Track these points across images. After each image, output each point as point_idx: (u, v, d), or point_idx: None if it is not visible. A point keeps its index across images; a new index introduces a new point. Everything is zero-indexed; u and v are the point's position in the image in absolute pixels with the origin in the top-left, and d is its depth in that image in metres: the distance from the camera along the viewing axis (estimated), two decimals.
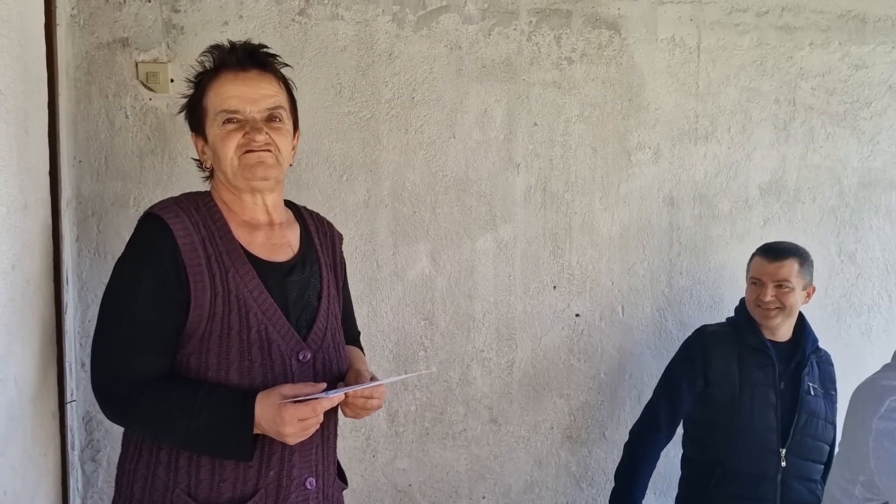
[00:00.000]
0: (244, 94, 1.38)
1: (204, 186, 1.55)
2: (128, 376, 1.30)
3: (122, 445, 1.42)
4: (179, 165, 2.28)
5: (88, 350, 2.23)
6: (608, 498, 2.36)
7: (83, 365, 2.25)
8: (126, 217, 2.26)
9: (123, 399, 1.30)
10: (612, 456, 2.66)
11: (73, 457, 2.25)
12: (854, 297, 2.86)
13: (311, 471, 1.39)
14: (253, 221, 1.44)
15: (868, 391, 1.44)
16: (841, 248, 2.85)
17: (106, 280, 1.41)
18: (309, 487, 1.39)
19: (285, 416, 1.24)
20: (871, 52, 2.82)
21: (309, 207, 1.66)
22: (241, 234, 1.41)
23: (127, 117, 2.26)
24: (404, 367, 2.50)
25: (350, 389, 1.35)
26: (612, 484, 2.37)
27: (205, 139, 1.44)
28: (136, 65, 2.26)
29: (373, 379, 1.45)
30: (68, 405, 2.16)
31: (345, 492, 1.58)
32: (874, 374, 1.50)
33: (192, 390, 1.29)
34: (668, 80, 2.65)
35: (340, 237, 1.64)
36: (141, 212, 2.21)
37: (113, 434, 2.27)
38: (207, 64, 1.44)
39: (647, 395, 2.67)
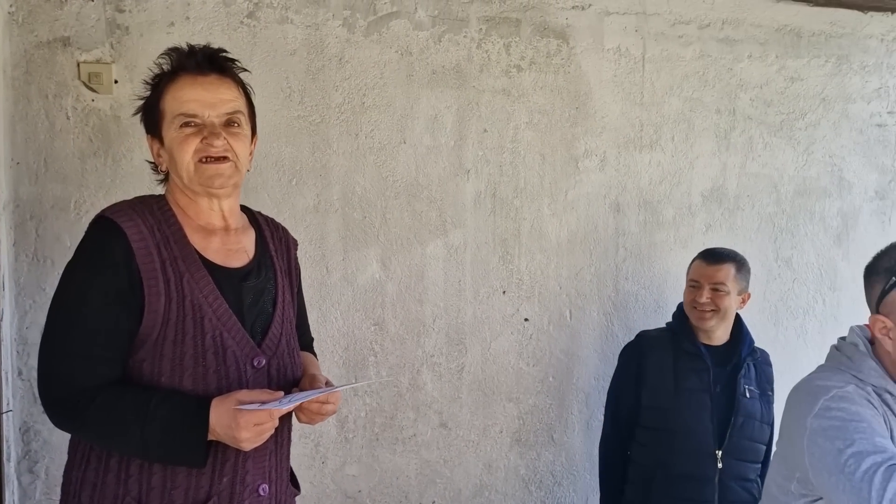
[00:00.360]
0: (202, 98, 1.36)
1: (154, 190, 1.52)
2: (78, 383, 1.27)
3: (69, 453, 1.38)
4: (123, 168, 2.23)
5: (25, 358, 2.16)
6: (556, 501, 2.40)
7: (20, 373, 2.18)
8: (66, 221, 2.19)
9: (73, 406, 1.27)
10: (560, 458, 2.70)
11: (10, 468, 2.17)
12: (790, 301, 2.97)
13: (265, 477, 1.38)
14: (208, 226, 1.42)
15: (803, 391, 1.49)
16: (778, 254, 2.95)
17: (44, 285, 1.37)
18: (262, 494, 1.37)
19: (241, 421, 1.23)
20: (806, 65, 2.94)
21: (263, 215, 1.64)
22: (196, 239, 1.38)
23: (68, 118, 2.19)
24: (354, 371, 2.49)
25: (306, 396, 1.34)
26: (560, 486, 2.41)
27: (161, 142, 1.41)
28: (78, 65, 2.20)
29: (328, 384, 1.44)
30: (4, 415, 2.08)
31: (295, 498, 1.57)
32: (809, 374, 1.56)
33: (144, 396, 1.27)
34: (614, 89, 2.70)
35: (295, 243, 1.63)
36: (82, 216, 2.19)
37: (52, 444, 2.20)
38: (165, 66, 1.41)
39: (595, 398, 2.72)
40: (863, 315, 2.53)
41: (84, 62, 2.20)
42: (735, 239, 2.83)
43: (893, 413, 1.36)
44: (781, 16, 2.89)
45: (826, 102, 2.97)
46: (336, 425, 2.49)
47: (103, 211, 1.37)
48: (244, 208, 1.56)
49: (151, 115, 1.41)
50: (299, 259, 1.65)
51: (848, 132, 3.01)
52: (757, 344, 2.43)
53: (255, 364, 1.37)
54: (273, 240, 1.54)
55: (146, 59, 2.20)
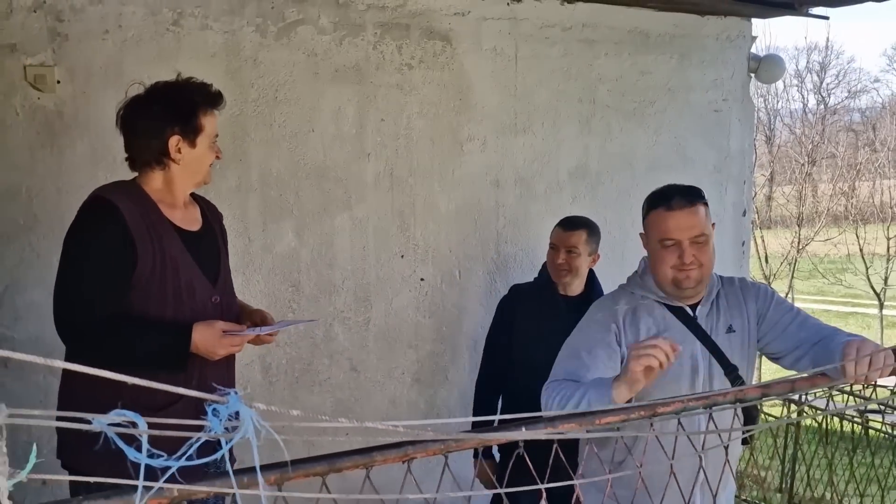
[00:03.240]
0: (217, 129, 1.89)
1: (95, 174, 1.93)
2: (94, 311, 1.71)
3: (63, 377, 1.82)
4: (67, 158, 2.59)
5: None
6: None
7: None
8: (19, 205, 2.55)
9: (84, 325, 1.71)
10: (453, 394, 3.22)
11: None
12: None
13: (220, 382, 1.84)
14: (174, 203, 1.88)
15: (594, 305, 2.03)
16: (634, 220, 3.52)
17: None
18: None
19: (224, 341, 1.75)
20: (654, 60, 3.51)
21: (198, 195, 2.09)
22: (165, 211, 1.85)
23: (17, 115, 2.55)
24: None
25: (270, 329, 1.89)
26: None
27: (191, 145, 1.83)
28: (25, 68, 2.54)
29: (265, 316, 1.98)
30: None
31: None
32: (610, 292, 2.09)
33: (141, 321, 1.75)
34: (491, 83, 3.21)
35: (221, 215, 2.09)
36: (33, 199, 2.55)
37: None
38: (196, 96, 1.85)
39: (481, 343, 3.24)
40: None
41: (30, 65, 2.55)
42: (597, 208, 3.39)
43: (638, 322, 1.89)
44: (632, 19, 3.44)
45: (671, 92, 3.56)
46: (262, 371, 2.94)
47: (97, 191, 1.81)
48: None
49: (189, 124, 1.81)
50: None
51: (690, 117, 3.61)
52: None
53: (213, 301, 1.88)
54: (208, 212, 2.02)
55: (84, 62, 2.59)
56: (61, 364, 0.73)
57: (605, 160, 3.45)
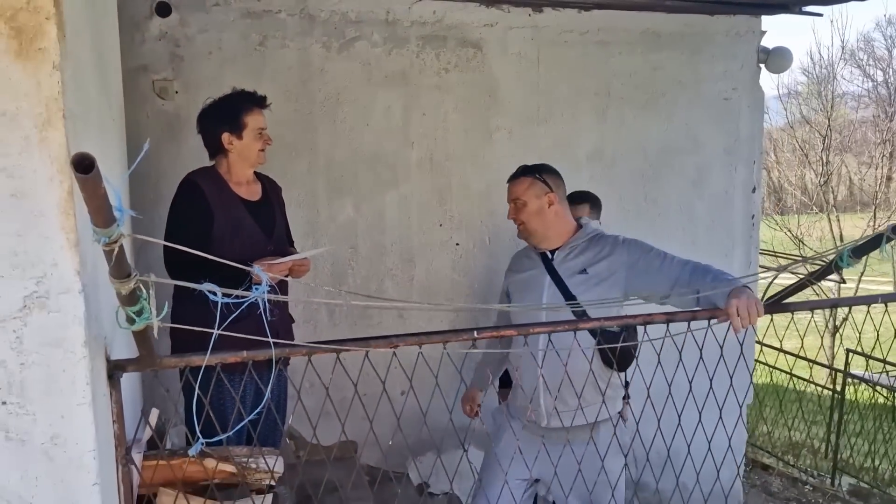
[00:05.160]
0: (264, 123, 2.63)
1: (199, 158, 2.74)
2: (195, 259, 2.52)
3: (174, 302, 2.64)
4: (182, 149, 3.46)
5: None
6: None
7: None
8: (148, 186, 3.44)
9: (181, 265, 2.48)
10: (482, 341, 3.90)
11: None
12: (657, 228, 4.09)
13: (276, 305, 2.60)
14: (241, 181, 2.67)
15: None
16: (646, 196, 4.08)
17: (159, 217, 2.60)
18: (274, 314, 2.62)
19: (274, 267, 2.44)
20: (666, 57, 4.02)
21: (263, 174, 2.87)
22: (233, 187, 2.63)
23: (147, 117, 3.44)
24: (338, 280, 3.73)
25: (300, 256, 2.60)
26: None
27: (238, 137, 2.59)
28: (153, 82, 3.43)
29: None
30: None
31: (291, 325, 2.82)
32: None
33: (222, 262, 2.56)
34: (516, 82, 3.84)
35: (280, 188, 2.87)
36: (159, 181, 3.43)
37: None
38: (240, 102, 2.62)
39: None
40: (716, 241, 3.73)
41: (156, 80, 3.43)
42: (612, 186, 3.97)
43: (520, 260, 2.67)
44: (644, 22, 3.97)
45: (682, 84, 4.06)
46: (328, 315, 3.74)
47: (187, 175, 2.62)
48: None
49: (236, 122, 2.58)
50: (298, 204, 2.92)
51: (700, 105, 4.10)
52: None
53: (269, 249, 2.65)
54: (269, 187, 2.79)
55: (195, 76, 3.43)
56: (172, 282, 1.50)
57: (619, 145, 4.01)
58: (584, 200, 3.48)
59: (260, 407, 1.79)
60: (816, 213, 13.52)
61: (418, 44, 3.71)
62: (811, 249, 11.25)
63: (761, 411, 6.94)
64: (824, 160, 13.07)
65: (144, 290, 1.41)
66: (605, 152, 4.00)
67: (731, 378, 2.01)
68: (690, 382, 2.01)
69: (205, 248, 2.52)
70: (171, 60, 3.44)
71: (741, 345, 2.14)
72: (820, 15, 3.95)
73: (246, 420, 1.76)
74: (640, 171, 4.06)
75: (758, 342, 6.81)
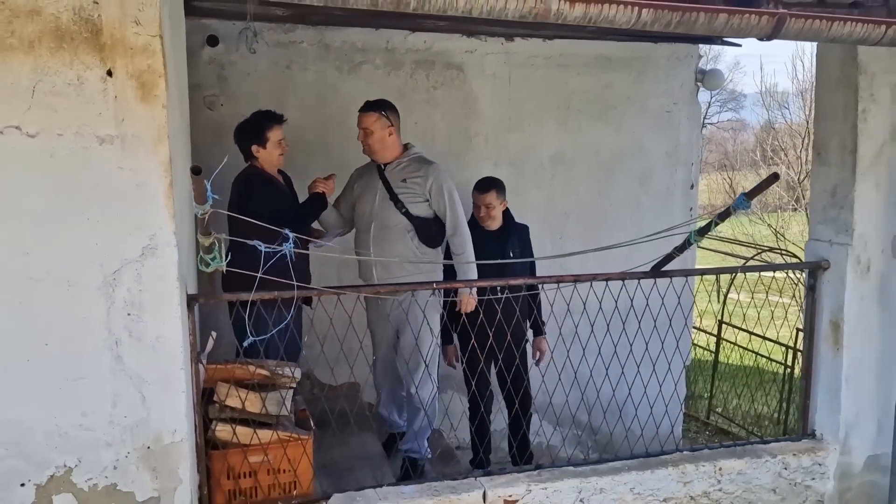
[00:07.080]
0: (282, 135, 3.57)
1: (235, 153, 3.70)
2: (297, 211, 3.55)
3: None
4: (226, 150, 4.41)
5: None
6: None
7: None
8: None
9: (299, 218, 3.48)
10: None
11: None
12: (609, 217, 4.99)
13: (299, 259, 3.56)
14: (272, 174, 3.61)
15: None
16: (599, 191, 4.98)
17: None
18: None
19: (320, 183, 3.59)
20: (616, 77, 4.91)
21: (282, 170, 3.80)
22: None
23: (200, 124, 4.39)
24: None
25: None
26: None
27: (262, 146, 3.54)
28: (203, 97, 4.38)
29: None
30: None
31: None
32: None
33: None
34: (492, 97, 4.75)
35: (290, 180, 3.82)
36: (209, 177, 4.39)
37: None
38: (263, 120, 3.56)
39: None
40: (661, 225, 4.57)
41: (205, 95, 4.39)
42: (571, 184, 4.87)
43: (362, 172, 3.63)
44: (598, 48, 4.85)
45: (630, 100, 4.95)
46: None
47: (244, 169, 3.56)
48: None
49: (261, 136, 3.53)
50: None
51: (645, 117, 4.98)
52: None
53: None
54: (287, 179, 3.74)
55: (236, 93, 4.40)
56: (233, 238, 2.46)
57: (577, 149, 4.90)
58: (491, 186, 4.19)
59: (284, 323, 2.74)
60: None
61: (412, 67, 4.64)
62: (792, 243, 12.03)
63: (735, 387, 7.78)
64: (803, 159, 13.98)
65: (218, 244, 2.34)
66: (565, 155, 4.90)
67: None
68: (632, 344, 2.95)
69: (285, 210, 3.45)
70: (217, 80, 4.40)
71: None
72: (739, 45, 4.81)
73: (273, 331, 2.71)
74: (594, 171, 4.95)
75: (722, 321, 7.69)
